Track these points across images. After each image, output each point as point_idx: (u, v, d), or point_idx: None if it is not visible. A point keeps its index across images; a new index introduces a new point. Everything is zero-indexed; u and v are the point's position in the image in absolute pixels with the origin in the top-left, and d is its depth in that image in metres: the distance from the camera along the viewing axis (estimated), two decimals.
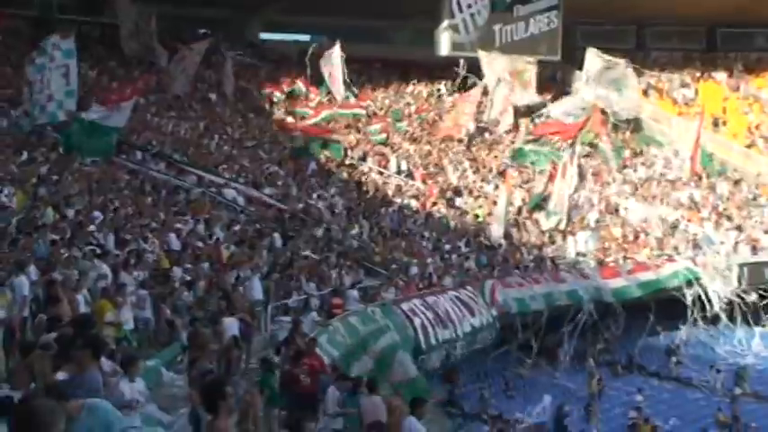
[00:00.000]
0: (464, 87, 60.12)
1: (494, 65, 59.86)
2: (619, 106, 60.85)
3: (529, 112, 61.56)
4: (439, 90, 62.43)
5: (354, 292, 32.81)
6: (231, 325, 23.74)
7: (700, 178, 57.13)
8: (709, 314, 46.60)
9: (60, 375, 11.05)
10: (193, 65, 51.92)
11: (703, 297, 46.41)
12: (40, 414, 6.35)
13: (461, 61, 59.85)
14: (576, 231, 49.06)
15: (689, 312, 46.37)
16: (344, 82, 55.05)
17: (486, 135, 58.78)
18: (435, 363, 34.35)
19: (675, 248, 48.80)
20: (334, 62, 54.00)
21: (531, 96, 61.47)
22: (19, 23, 53.43)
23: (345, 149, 51.74)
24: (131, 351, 14.87)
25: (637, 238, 49.96)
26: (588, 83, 57.99)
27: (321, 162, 49.90)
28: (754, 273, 48.13)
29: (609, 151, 58.73)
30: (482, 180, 53.28)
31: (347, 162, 51.20)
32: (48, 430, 6.20)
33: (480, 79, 60.04)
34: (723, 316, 47.10)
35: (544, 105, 62.35)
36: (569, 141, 54.48)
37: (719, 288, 47.02)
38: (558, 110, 57.88)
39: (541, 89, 63.33)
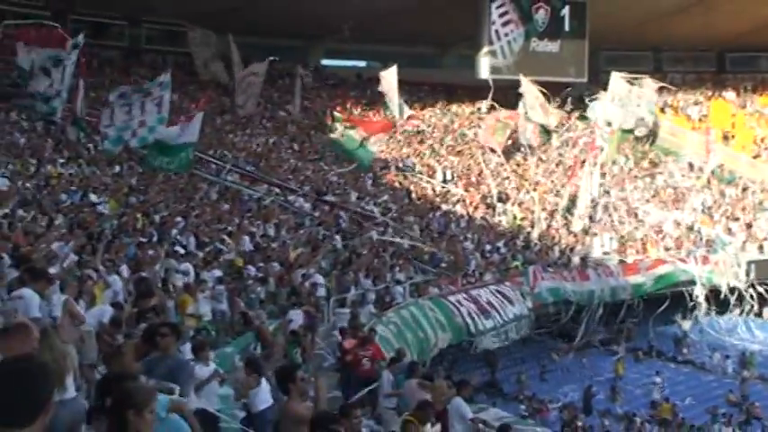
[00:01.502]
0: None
1: (528, 88, 59.76)
2: (637, 121, 60.57)
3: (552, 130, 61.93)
4: (479, 109, 62.19)
5: (400, 288, 32.78)
6: (296, 316, 23.93)
7: (710, 184, 57.20)
8: (699, 308, 46.69)
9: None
10: (258, 85, 52.06)
11: (698, 293, 46.57)
12: (135, 395, 6.36)
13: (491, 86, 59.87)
14: (600, 232, 48.94)
15: (695, 305, 46.57)
16: (399, 102, 54.97)
17: (522, 149, 58.74)
18: (483, 346, 34.41)
19: (688, 249, 48.75)
20: (390, 84, 53.94)
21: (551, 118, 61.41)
22: (114, 53, 53.86)
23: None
24: (202, 339, 14.85)
25: (660, 237, 49.81)
26: (614, 102, 57.61)
27: (376, 172, 49.95)
28: (761, 269, 48.06)
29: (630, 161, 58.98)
30: (519, 188, 53.20)
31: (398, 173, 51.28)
32: (142, 409, 6.21)
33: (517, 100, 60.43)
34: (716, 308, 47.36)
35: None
36: (592, 153, 54.13)
37: (730, 281, 47.13)
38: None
39: (571, 107, 63.35)
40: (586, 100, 59.93)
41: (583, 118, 62.25)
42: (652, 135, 62.29)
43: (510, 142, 58.19)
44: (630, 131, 60.31)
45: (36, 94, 35.08)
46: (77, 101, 37.28)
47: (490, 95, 59.58)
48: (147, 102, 32.15)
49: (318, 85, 60.30)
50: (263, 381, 14.31)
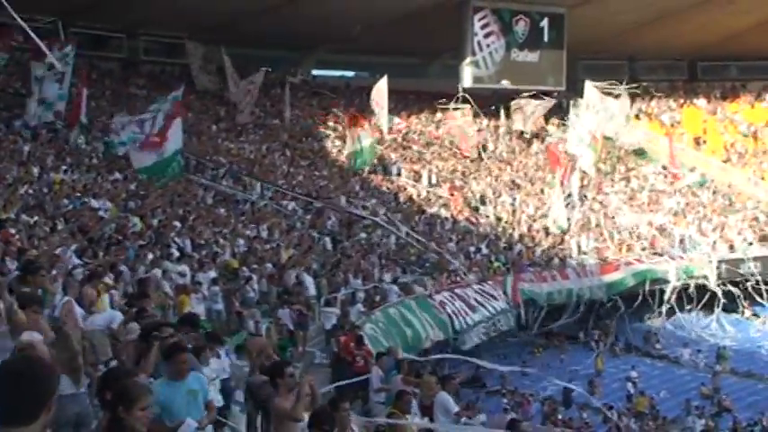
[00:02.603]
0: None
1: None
2: (621, 134, 60.95)
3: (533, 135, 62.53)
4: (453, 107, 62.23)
5: (395, 288, 32.83)
6: (285, 315, 24.05)
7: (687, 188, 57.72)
8: (669, 305, 47.07)
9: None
10: (254, 95, 52.15)
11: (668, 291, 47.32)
12: (127, 391, 6.41)
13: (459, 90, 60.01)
14: (578, 234, 48.98)
15: (669, 302, 47.06)
16: (388, 111, 54.84)
17: (505, 155, 59.00)
18: (471, 341, 34.51)
19: (663, 248, 48.99)
20: (381, 93, 53.80)
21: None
22: (113, 65, 53.77)
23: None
24: (201, 341, 14.86)
25: (636, 238, 50.00)
26: (588, 109, 57.64)
27: (363, 177, 49.78)
28: (731, 267, 48.35)
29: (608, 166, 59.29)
30: (500, 191, 53.21)
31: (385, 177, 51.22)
32: (131, 407, 6.28)
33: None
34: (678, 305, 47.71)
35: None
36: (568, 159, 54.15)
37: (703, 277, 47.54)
38: (572, 145, 57.01)
39: (550, 114, 63.62)
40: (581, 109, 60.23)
41: (562, 125, 62.47)
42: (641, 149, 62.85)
43: (492, 148, 58.51)
44: (610, 138, 60.46)
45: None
46: (81, 108, 37.32)
47: (459, 100, 59.75)
48: (159, 115, 32.32)
49: (312, 89, 60.23)
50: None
